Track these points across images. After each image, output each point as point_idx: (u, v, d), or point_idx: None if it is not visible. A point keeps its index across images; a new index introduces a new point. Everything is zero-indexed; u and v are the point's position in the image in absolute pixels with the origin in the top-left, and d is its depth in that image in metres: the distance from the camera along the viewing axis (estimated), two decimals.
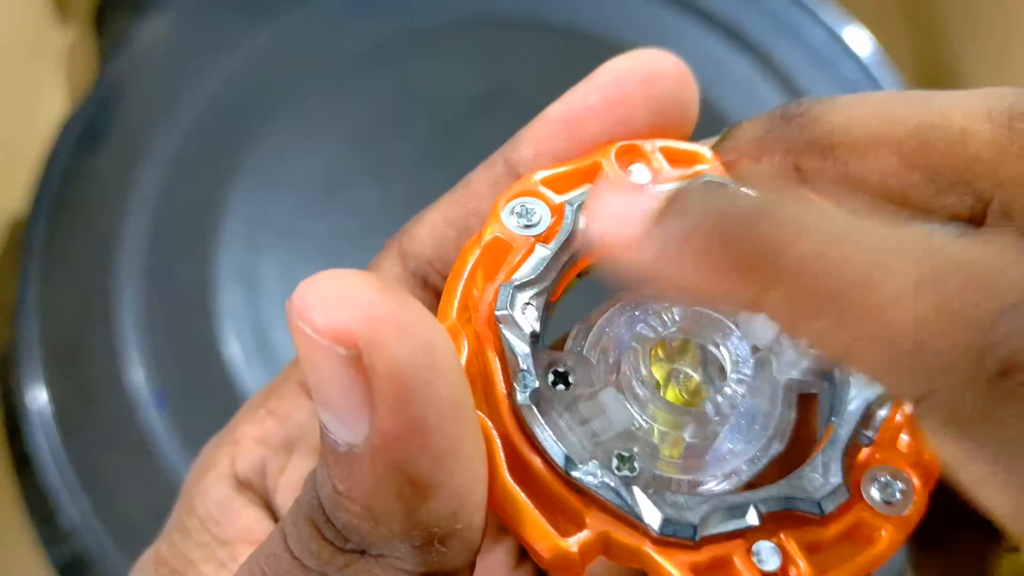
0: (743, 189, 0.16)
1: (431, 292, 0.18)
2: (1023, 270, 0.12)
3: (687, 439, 0.15)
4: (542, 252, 0.15)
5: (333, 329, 0.12)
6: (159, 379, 0.40)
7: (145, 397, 0.40)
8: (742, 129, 0.17)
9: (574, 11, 0.46)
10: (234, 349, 0.41)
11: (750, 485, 0.15)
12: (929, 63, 0.52)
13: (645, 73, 0.17)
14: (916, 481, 0.15)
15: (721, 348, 0.16)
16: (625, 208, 0.14)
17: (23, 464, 0.41)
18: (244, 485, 0.18)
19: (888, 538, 0.14)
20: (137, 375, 0.40)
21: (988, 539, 0.18)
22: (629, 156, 0.17)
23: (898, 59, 0.48)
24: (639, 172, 0.16)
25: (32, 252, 0.42)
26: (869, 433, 0.15)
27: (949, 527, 0.18)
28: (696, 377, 0.16)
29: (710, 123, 0.46)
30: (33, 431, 0.40)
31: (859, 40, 0.46)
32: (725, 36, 0.46)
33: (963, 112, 0.15)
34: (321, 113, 0.44)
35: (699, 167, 0.17)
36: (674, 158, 0.17)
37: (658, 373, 0.15)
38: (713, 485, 0.15)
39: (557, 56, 0.46)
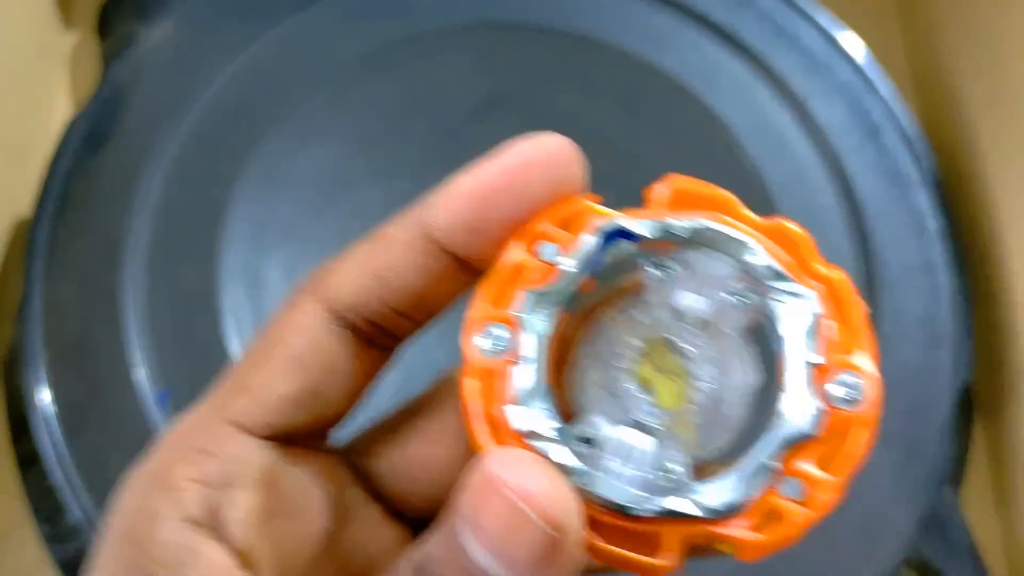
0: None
1: (353, 333, 0.20)
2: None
3: (695, 409, 0.18)
4: (524, 368, 0.18)
5: (548, 516, 0.16)
6: (164, 379, 0.41)
7: (150, 396, 0.40)
8: None
9: (573, 15, 0.47)
10: (239, 349, 0.41)
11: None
12: (923, 66, 0.52)
13: (543, 155, 0.19)
14: (866, 371, 0.18)
15: (674, 339, 0.19)
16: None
17: (28, 463, 0.41)
18: (197, 525, 0.19)
19: (856, 431, 0.17)
20: (142, 375, 0.41)
21: None
22: (532, 238, 0.19)
23: (893, 62, 0.49)
24: (548, 249, 0.19)
25: (37, 253, 0.42)
26: (817, 353, 0.18)
27: None
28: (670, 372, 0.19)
29: (708, 126, 0.46)
30: (38, 430, 0.40)
31: (855, 44, 0.47)
32: (722, 41, 0.46)
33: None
34: (324, 116, 0.45)
35: (591, 219, 0.19)
36: (565, 223, 0.19)
37: (649, 379, 0.19)
38: (724, 444, 0.18)
39: (557, 60, 0.46)
